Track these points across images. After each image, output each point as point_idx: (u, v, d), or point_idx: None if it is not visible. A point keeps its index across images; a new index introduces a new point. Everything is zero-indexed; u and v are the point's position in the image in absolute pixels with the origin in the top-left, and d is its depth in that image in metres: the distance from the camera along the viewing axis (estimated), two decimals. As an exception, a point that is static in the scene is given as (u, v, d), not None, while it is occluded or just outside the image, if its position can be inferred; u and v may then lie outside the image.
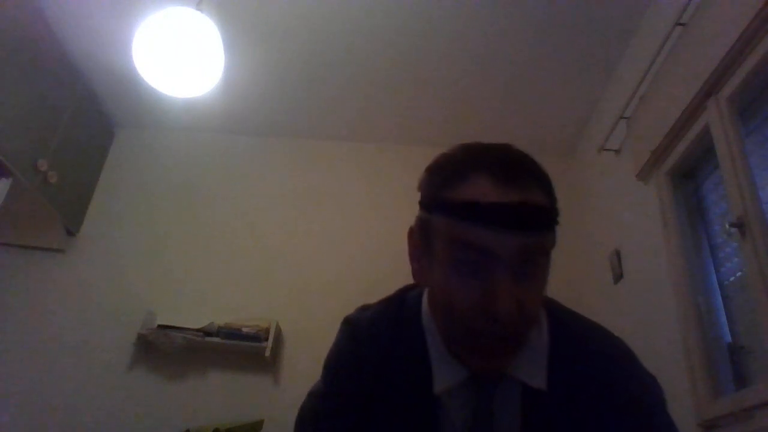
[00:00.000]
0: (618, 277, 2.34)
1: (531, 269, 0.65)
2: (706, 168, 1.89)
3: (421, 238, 0.73)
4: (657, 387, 0.76)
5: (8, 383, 2.49)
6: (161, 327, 2.51)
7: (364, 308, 0.87)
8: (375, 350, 0.80)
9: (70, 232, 2.83)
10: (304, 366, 2.56)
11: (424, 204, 0.72)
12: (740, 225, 1.50)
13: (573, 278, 2.57)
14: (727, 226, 1.57)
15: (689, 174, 1.99)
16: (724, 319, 1.73)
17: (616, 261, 2.35)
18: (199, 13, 2.01)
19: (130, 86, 2.77)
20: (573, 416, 0.73)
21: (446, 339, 0.74)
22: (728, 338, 1.70)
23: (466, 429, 0.75)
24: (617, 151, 2.45)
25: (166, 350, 2.48)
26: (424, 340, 0.78)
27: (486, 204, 0.63)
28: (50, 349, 2.57)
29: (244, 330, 2.49)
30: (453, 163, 0.70)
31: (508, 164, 0.67)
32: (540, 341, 0.75)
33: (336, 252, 2.85)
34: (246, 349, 2.51)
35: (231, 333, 2.49)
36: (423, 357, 0.77)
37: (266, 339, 2.48)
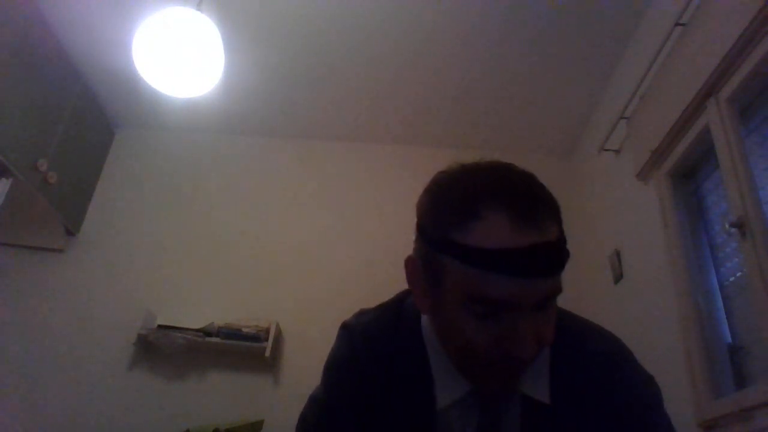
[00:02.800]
0: (618, 277, 2.34)
1: (548, 302, 0.64)
2: (706, 168, 1.89)
3: (426, 274, 0.68)
4: (654, 386, 0.76)
5: (8, 383, 2.49)
6: (161, 327, 2.51)
7: (361, 313, 0.86)
8: (373, 357, 0.79)
9: (70, 232, 2.83)
10: (304, 366, 2.56)
11: (429, 239, 0.67)
12: (740, 225, 1.50)
13: (573, 278, 2.55)
14: (727, 226, 1.57)
15: (689, 174, 1.99)
16: (724, 319, 1.73)
17: (616, 261, 2.35)
18: (199, 13, 2.01)
19: (130, 86, 2.77)
20: (571, 420, 0.73)
21: (456, 366, 0.71)
22: (728, 338, 1.70)
23: None
24: (617, 151, 2.45)
25: (166, 350, 2.48)
26: (425, 353, 0.77)
27: (504, 251, 0.59)
28: (50, 349, 2.57)
29: (244, 330, 2.49)
30: (458, 193, 0.65)
31: (521, 196, 0.62)
32: (542, 352, 0.74)
33: (336, 252, 2.85)
34: (246, 349, 2.51)
35: (231, 333, 2.49)
36: (423, 369, 0.76)
37: (266, 339, 2.48)
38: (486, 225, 0.60)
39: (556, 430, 0.73)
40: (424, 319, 0.79)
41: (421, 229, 0.69)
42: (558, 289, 0.63)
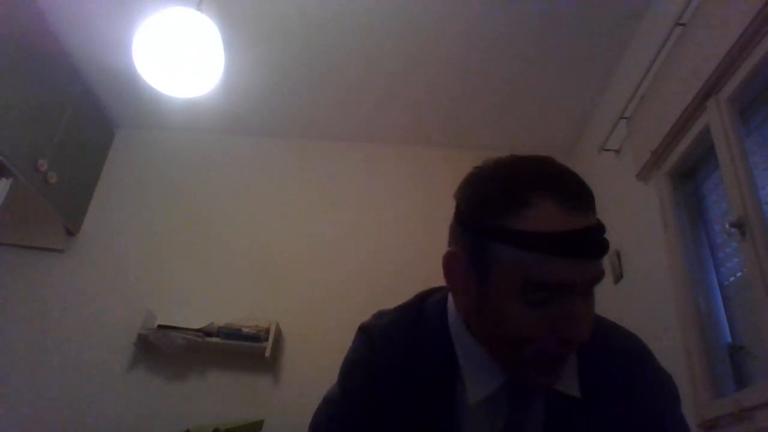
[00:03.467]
0: (618, 277, 2.34)
1: (591, 288, 0.66)
2: (706, 168, 1.89)
3: (473, 267, 0.68)
4: (673, 385, 0.77)
5: (8, 383, 2.49)
6: (161, 327, 2.51)
7: (380, 315, 0.85)
8: (392, 358, 0.78)
9: (70, 232, 2.83)
10: (304, 366, 2.56)
11: (477, 230, 0.67)
12: (740, 225, 1.50)
13: (573, 278, 2.57)
14: (727, 226, 1.57)
15: (689, 174, 1.99)
16: (724, 319, 1.72)
17: (616, 261, 2.35)
18: (199, 13, 2.01)
19: (130, 86, 2.77)
20: (596, 418, 0.73)
21: (503, 362, 0.71)
22: (728, 339, 1.70)
23: None
24: (617, 151, 2.45)
25: (166, 350, 2.48)
26: (451, 349, 0.76)
27: (559, 233, 0.61)
28: (50, 349, 2.57)
29: (244, 330, 2.49)
30: (506, 184, 0.66)
31: (567, 184, 0.65)
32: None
33: (336, 252, 2.85)
34: (246, 349, 2.51)
35: (231, 333, 2.49)
36: (449, 365, 0.76)
37: (266, 339, 2.49)
38: (537, 211, 0.62)
39: (584, 425, 0.73)
40: (452, 316, 0.78)
41: (466, 222, 0.70)
42: (603, 274, 0.66)
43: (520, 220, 0.63)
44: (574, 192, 0.64)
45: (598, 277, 0.65)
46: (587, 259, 0.63)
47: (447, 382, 0.75)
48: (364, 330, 0.83)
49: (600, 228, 0.65)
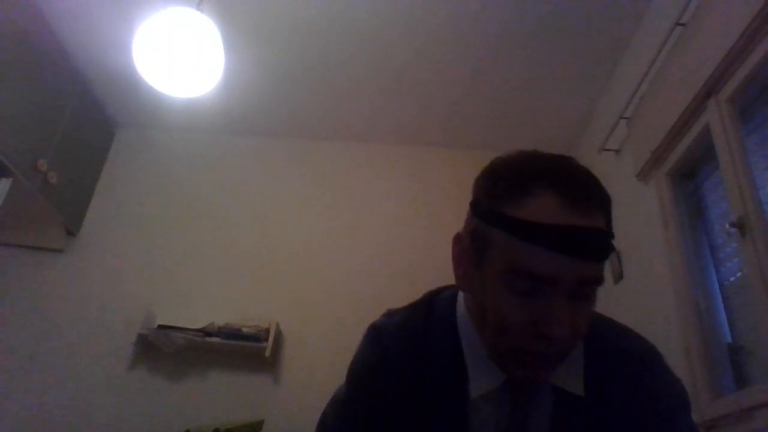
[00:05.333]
0: (618, 277, 2.34)
1: (586, 291, 0.65)
2: (706, 168, 1.89)
3: (472, 247, 0.70)
4: (683, 389, 0.77)
5: (8, 383, 2.49)
6: (161, 327, 2.51)
7: (390, 313, 0.85)
8: (403, 356, 0.78)
9: (70, 232, 2.83)
10: (304, 366, 2.56)
11: (479, 212, 0.69)
12: (740, 225, 1.50)
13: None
14: (727, 226, 1.57)
15: (689, 174, 1.99)
16: (724, 319, 1.73)
17: (616, 261, 2.35)
18: (199, 13, 2.01)
19: (130, 86, 2.77)
20: (603, 418, 0.73)
21: (490, 349, 0.71)
22: (728, 338, 1.70)
23: None
24: (617, 151, 2.45)
25: (166, 350, 2.48)
26: (459, 344, 0.77)
27: (550, 226, 0.61)
28: (50, 349, 2.57)
29: (244, 330, 2.49)
30: (514, 172, 0.67)
31: (575, 182, 0.64)
32: (576, 347, 0.74)
33: (336, 252, 2.85)
34: (246, 349, 2.51)
35: (231, 333, 2.49)
36: (457, 362, 0.76)
37: (266, 339, 2.48)
38: (536, 201, 0.63)
39: (588, 424, 0.73)
40: (460, 311, 0.79)
41: (475, 205, 0.71)
42: (597, 279, 0.65)
43: (517, 208, 0.63)
44: (580, 190, 0.64)
45: (590, 278, 0.64)
46: (577, 257, 0.61)
47: (455, 379, 0.75)
48: (374, 328, 0.83)
49: (599, 230, 0.63)
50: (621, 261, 2.34)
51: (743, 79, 1.56)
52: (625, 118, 2.28)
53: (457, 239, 0.74)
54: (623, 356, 0.75)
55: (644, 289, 2.14)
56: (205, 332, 2.49)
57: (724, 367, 1.67)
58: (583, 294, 0.65)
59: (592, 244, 0.62)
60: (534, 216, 0.62)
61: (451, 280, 0.79)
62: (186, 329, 2.49)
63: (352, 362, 0.84)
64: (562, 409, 0.74)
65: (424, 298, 0.85)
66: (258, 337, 2.48)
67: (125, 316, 2.63)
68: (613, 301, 2.37)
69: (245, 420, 2.35)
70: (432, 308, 0.82)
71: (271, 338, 2.48)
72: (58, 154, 2.58)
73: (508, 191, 0.65)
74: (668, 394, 0.75)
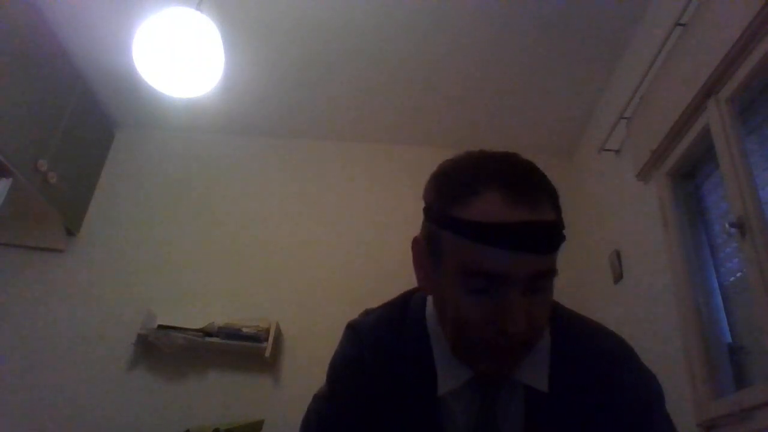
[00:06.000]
0: (618, 277, 2.34)
1: (541, 284, 0.65)
2: (706, 168, 1.89)
3: (428, 250, 0.71)
4: (656, 383, 0.77)
5: (8, 383, 2.49)
6: (161, 327, 2.51)
7: (367, 312, 0.87)
8: (378, 353, 0.80)
9: (70, 232, 2.83)
10: (304, 366, 2.56)
11: (430, 216, 0.70)
12: (740, 225, 1.50)
13: (573, 278, 2.57)
14: (727, 226, 1.56)
15: (689, 174, 1.99)
16: (724, 319, 1.73)
17: (616, 261, 2.35)
18: (199, 13, 2.01)
19: (130, 86, 2.77)
20: (574, 415, 0.73)
21: (453, 347, 0.73)
22: (728, 339, 1.70)
23: (470, 431, 0.76)
24: (617, 151, 2.45)
25: (166, 350, 2.48)
26: (428, 343, 0.78)
27: (497, 224, 0.62)
28: (50, 349, 2.57)
29: (244, 330, 2.49)
30: (461, 176, 0.68)
31: (518, 178, 0.65)
32: (542, 343, 0.75)
33: (336, 252, 2.85)
34: (246, 349, 2.51)
35: (231, 333, 2.49)
36: (427, 360, 0.77)
37: (266, 339, 2.48)
38: (481, 200, 0.63)
39: (556, 421, 0.73)
40: (429, 309, 0.80)
41: (426, 209, 0.72)
42: (550, 271, 0.65)
43: (464, 209, 0.64)
44: (523, 185, 0.64)
45: (541, 272, 0.64)
46: (527, 252, 0.62)
47: (425, 377, 0.77)
48: (351, 327, 0.85)
49: (547, 223, 0.63)
50: (621, 261, 2.34)
51: (743, 79, 1.56)
52: (625, 118, 2.28)
53: (415, 243, 0.75)
54: (594, 355, 0.76)
55: (644, 289, 2.14)
56: (205, 332, 2.49)
57: (724, 367, 1.67)
58: (538, 287, 0.65)
59: (541, 237, 0.63)
60: (480, 216, 0.63)
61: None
62: (186, 329, 2.49)
63: (331, 360, 0.86)
64: (533, 405, 0.74)
65: (400, 297, 0.86)
66: (258, 337, 2.48)
67: (125, 316, 2.63)
68: (613, 301, 2.38)
69: (245, 420, 2.35)
70: (407, 307, 0.83)
71: (271, 338, 2.48)
72: (58, 154, 2.58)
73: (455, 193, 0.66)
74: (640, 388, 0.75)
